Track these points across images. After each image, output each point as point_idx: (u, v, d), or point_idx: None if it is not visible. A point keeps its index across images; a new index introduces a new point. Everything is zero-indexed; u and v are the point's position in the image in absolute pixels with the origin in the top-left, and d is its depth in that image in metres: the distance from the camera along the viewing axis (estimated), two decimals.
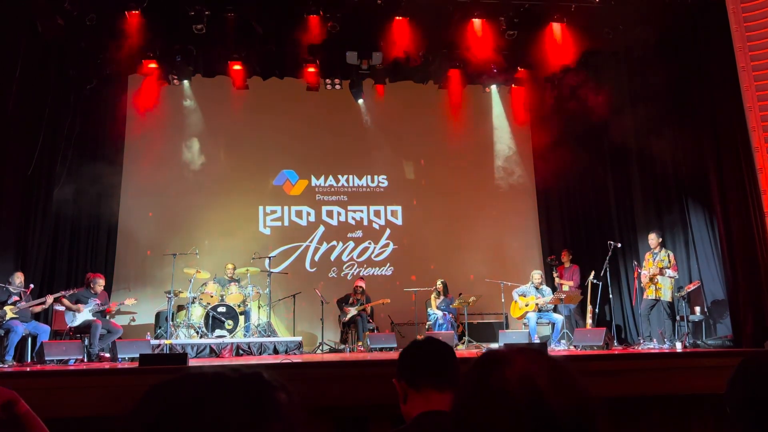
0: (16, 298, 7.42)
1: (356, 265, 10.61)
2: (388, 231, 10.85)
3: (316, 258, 10.59)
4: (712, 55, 7.81)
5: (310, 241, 10.61)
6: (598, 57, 9.58)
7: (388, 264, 10.70)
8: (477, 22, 8.99)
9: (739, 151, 7.39)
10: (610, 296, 8.96)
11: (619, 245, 8.85)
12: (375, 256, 10.72)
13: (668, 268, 8.00)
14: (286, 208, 10.70)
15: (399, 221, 10.93)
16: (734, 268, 7.44)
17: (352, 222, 10.82)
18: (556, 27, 9.02)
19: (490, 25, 9.01)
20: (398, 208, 10.96)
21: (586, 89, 9.83)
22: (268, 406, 0.86)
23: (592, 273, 8.84)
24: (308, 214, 10.76)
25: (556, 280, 9.37)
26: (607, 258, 8.61)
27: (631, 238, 9.64)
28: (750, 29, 7.43)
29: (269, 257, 9.45)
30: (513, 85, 10.83)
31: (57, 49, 8.85)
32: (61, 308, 7.82)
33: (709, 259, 8.34)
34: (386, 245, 10.77)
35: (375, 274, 10.58)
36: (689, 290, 8.21)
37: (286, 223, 10.65)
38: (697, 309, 8.24)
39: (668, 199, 9.19)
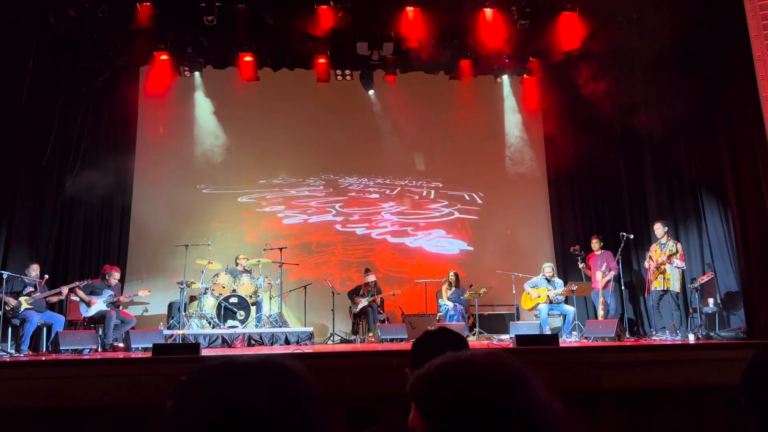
0: (32, 289, 7.52)
1: (366, 258, 10.63)
2: (398, 222, 10.85)
3: (325, 250, 10.62)
4: (727, 44, 7.70)
5: (319, 234, 10.63)
6: (611, 46, 9.47)
7: (400, 255, 10.71)
8: (488, 11, 8.92)
9: (754, 141, 7.28)
10: (623, 288, 8.90)
11: (632, 236, 8.78)
12: (384, 250, 10.74)
13: (675, 256, 7.90)
14: (295, 199, 10.72)
15: (410, 212, 10.92)
16: (748, 259, 7.35)
17: (362, 214, 10.83)
18: (568, 16, 8.94)
19: (501, 14, 8.93)
20: (408, 199, 10.94)
21: (597, 78, 9.74)
22: (291, 394, 0.88)
23: (604, 264, 8.79)
24: (317, 205, 10.77)
25: (587, 271, 9.05)
26: (620, 249, 8.55)
27: (644, 229, 9.55)
28: (766, 17, 7.31)
29: (280, 249, 9.48)
30: (524, 75, 10.75)
31: (69, 41, 8.89)
32: (76, 299, 7.92)
33: (722, 250, 8.26)
34: (397, 236, 10.77)
35: (384, 265, 10.60)
36: (702, 281, 8.14)
37: (296, 215, 10.67)
38: (711, 300, 8.17)
39: (681, 189, 9.10)
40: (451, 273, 9.57)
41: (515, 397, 0.90)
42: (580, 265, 9.02)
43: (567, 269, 10.14)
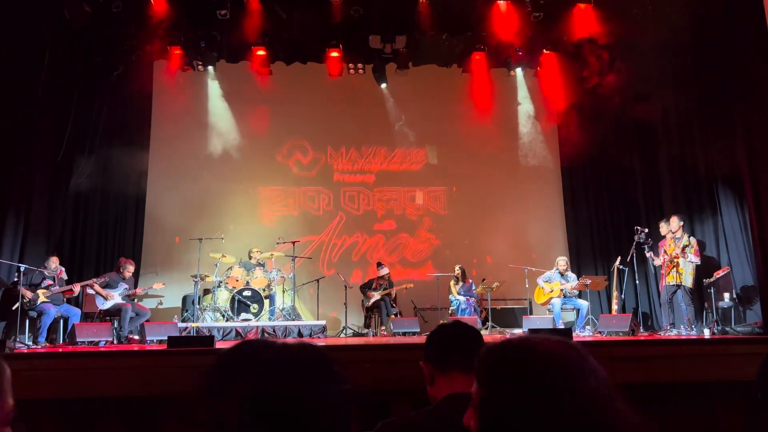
0: (50, 282, 7.61)
1: (376, 251, 10.63)
2: (409, 216, 10.84)
3: (336, 248, 10.65)
4: (744, 36, 7.58)
5: (327, 235, 10.65)
6: (626, 38, 9.36)
7: (409, 248, 10.70)
8: (502, 3, 8.85)
9: None
10: (636, 282, 8.82)
11: (646, 230, 8.68)
12: (398, 243, 10.74)
13: (689, 248, 7.77)
14: (304, 194, 10.75)
15: (420, 206, 10.90)
16: (765, 253, 7.26)
17: (374, 208, 10.83)
18: (583, 7, 8.84)
19: (515, 6, 8.87)
20: (420, 193, 10.92)
21: (611, 70, 9.64)
22: (330, 372, 0.94)
23: (618, 258, 8.71)
24: (326, 199, 10.77)
25: (655, 260, 8.33)
26: (634, 243, 8.47)
27: (658, 223, 9.45)
28: None
29: (293, 242, 9.51)
30: (538, 68, 10.66)
31: (84, 36, 8.95)
32: (92, 292, 8.03)
33: (738, 244, 8.15)
34: (407, 230, 10.77)
35: (395, 257, 10.61)
36: (718, 276, 8.04)
37: (306, 210, 10.71)
38: (726, 295, 8.07)
39: (696, 181, 8.99)
40: (457, 268, 9.54)
41: (561, 382, 0.91)
42: (648, 254, 8.32)
43: (580, 263, 10.08)
